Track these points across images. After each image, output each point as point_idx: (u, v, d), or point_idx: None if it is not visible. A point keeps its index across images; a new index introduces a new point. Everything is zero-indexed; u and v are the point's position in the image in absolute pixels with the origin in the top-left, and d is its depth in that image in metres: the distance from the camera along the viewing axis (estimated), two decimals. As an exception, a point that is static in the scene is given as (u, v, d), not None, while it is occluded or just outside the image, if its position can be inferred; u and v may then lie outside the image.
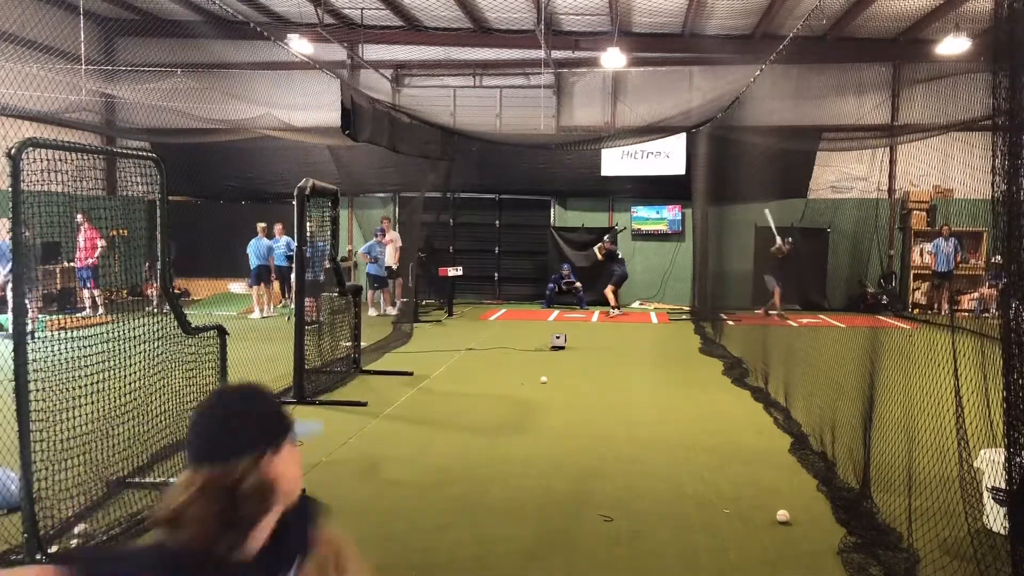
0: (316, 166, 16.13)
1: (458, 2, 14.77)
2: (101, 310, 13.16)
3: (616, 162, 17.33)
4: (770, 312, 14.66)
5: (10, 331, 4.05)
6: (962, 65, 11.63)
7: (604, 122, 17.58)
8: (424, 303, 16.01)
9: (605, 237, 16.61)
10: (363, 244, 16.43)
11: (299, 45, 14.38)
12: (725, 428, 7.22)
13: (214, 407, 1.58)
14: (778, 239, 14.50)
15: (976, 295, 15.21)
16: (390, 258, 15.75)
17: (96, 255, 13.14)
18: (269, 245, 15.19)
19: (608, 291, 15.74)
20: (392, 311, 15.34)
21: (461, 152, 15.69)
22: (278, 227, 15.21)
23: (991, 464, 4.29)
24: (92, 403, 4.59)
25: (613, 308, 15.62)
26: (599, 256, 16.25)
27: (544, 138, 16.92)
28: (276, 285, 15.55)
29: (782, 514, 4.91)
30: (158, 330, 5.31)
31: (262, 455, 1.50)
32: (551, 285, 17.09)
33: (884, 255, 16.96)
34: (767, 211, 14.36)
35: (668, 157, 17.09)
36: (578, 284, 16.87)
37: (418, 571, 4.21)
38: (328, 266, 9.32)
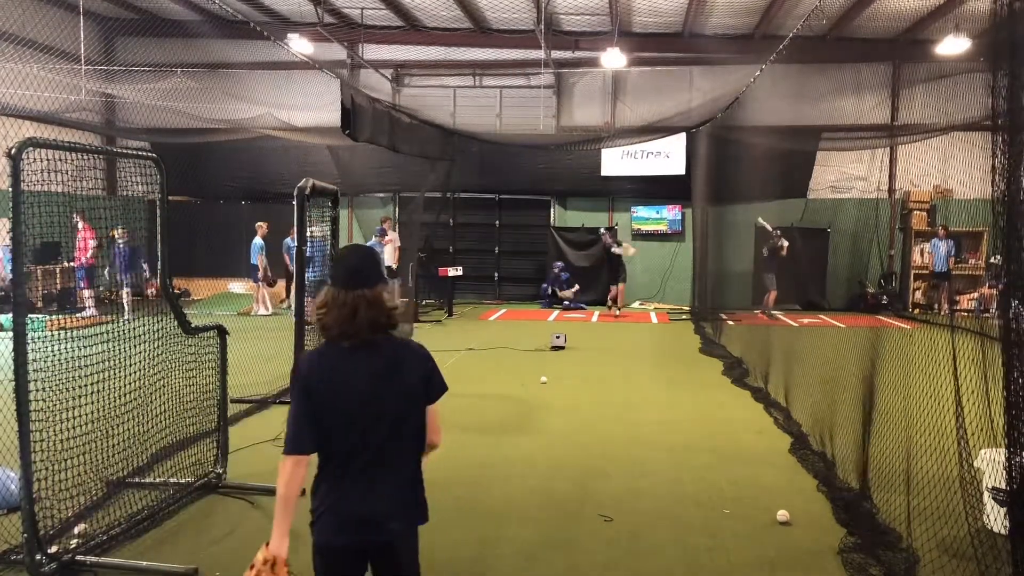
0: (316, 166, 16.15)
1: (458, 2, 14.77)
2: (93, 310, 13.10)
3: (616, 162, 17.33)
4: (763, 311, 14.65)
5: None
6: (962, 65, 11.62)
7: (604, 122, 17.58)
8: (424, 303, 16.01)
9: (603, 230, 16.46)
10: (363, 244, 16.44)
11: (299, 45, 14.37)
12: (725, 428, 7.22)
13: (356, 254, 2.81)
14: (775, 239, 14.51)
15: (976, 295, 15.22)
16: (389, 258, 15.75)
17: (89, 255, 13.06)
18: (261, 244, 15.23)
19: (622, 288, 15.61)
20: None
21: (461, 152, 15.69)
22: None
23: (991, 464, 4.29)
24: (92, 403, 4.59)
25: (617, 308, 15.53)
26: (620, 248, 15.76)
27: (544, 138, 16.92)
28: (283, 284, 15.55)
29: (782, 514, 4.91)
30: (158, 330, 5.30)
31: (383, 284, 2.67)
32: (545, 286, 17.11)
33: (884, 255, 16.96)
34: (760, 219, 14.31)
35: (668, 157, 17.10)
36: (576, 287, 16.86)
37: (418, 571, 4.20)
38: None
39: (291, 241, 15.19)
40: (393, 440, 2.69)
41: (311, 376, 2.65)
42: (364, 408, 2.64)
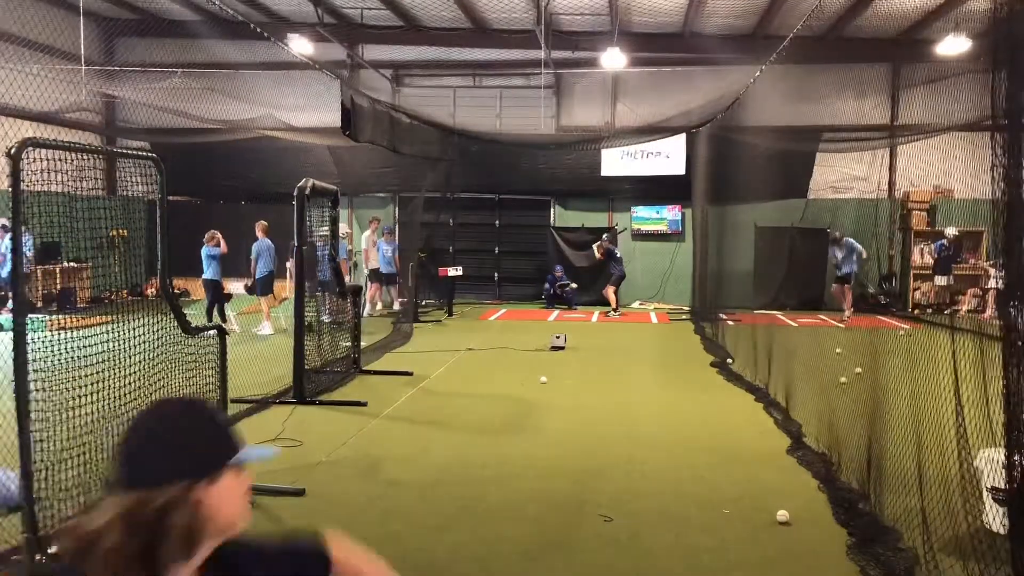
0: (316, 166, 16.13)
1: (458, 2, 14.77)
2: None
3: (616, 162, 17.33)
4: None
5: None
6: (962, 65, 11.61)
7: (604, 122, 17.57)
8: (424, 303, 16.02)
9: (604, 236, 16.63)
10: (363, 244, 16.47)
11: (299, 45, 14.37)
12: (725, 428, 7.22)
13: (148, 422, 1.39)
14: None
15: (975, 295, 15.24)
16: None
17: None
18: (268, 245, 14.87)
19: (608, 291, 15.77)
20: (369, 311, 15.44)
21: (461, 152, 15.69)
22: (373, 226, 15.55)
23: (991, 464, 4.29)
24: (92, 403, 4.59)
25: (612, 310, 15.62)
26: (598, 255, 16.29)
27: (544, 138, 16.92)
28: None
29: (782, 514, 4.91)
30: (158, 330, 5.30)
31: (196, 482, 1.31)
32: (547, 286, 17.14)
33: (884, 255, 16.96)
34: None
35: (668, 157, 17.09)
36: (573, 285, 16.92)
37: (418, 571, 4.20)
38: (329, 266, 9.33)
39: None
40: None
41: None
42: None
